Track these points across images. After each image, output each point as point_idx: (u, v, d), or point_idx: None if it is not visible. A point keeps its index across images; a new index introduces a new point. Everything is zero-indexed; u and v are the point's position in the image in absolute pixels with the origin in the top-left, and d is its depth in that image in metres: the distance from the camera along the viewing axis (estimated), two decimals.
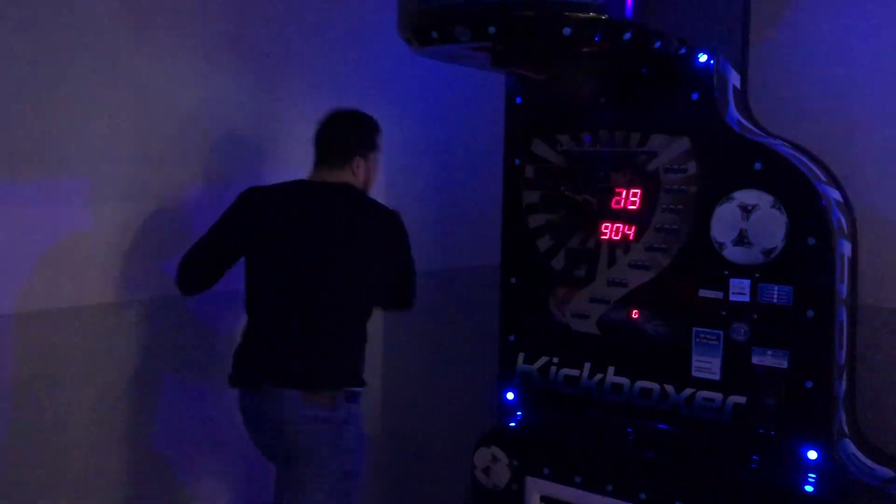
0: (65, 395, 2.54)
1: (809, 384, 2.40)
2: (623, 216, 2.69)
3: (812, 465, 2.39)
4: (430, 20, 2.20)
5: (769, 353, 2.44)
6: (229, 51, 2.88)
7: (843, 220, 2.51)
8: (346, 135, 2.56)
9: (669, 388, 2.61)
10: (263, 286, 2.50)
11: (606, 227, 2.73)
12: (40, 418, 2.49)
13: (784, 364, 2.42)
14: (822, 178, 2.54)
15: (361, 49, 3.22)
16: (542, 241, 2.85)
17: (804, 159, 2.55)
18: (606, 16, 2.13)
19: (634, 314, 2.67)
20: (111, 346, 2.65)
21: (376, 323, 3.24)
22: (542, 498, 2.72)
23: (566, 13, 2.09)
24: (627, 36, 2.19)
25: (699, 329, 2.55)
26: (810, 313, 2.39)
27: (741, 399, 2.49)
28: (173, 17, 2.72)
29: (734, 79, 2.65)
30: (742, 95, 2.72)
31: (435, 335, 3.39)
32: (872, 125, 2.78)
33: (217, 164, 2.88)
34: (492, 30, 2.10)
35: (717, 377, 2.53)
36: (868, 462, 2.52)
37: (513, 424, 2.88)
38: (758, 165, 2.46)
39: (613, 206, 2.72)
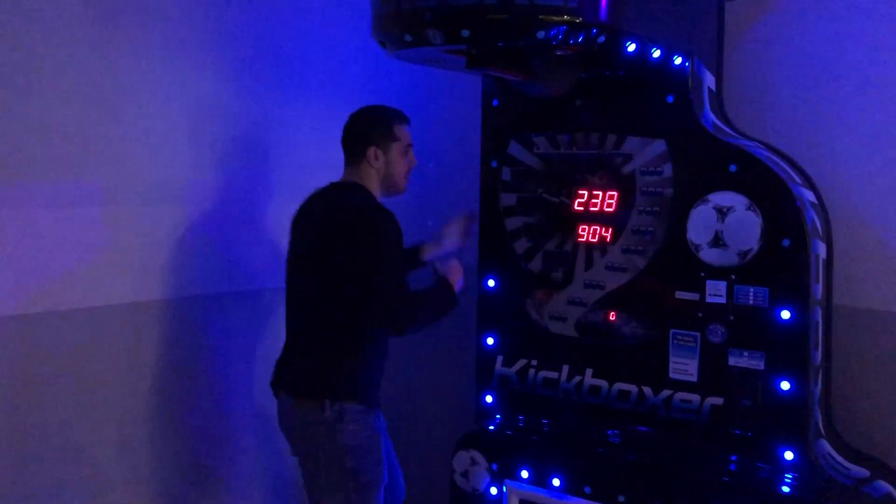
0: (78, 396, 2.58)
1: (785, 385, 2.41)
2: (600, 218, 2.70)
3: (788, 466, 2.40)
4: (403, 24, 2.19)
5: (745, 354, 2.45)
6: (213, 52, 2.89)
7: (818, 221, 2.52)
8: (359, 126, 2.52)
9: (647, 389, 2.62)
10: (283, 296, 2.60)
11: (583, 230, 2.73)
12: (53, 419, 2.52)
13: (760, 365, 2.43)
14: (797, 179, 2.55)
15: (337, 52, 3.20)
16: (520, 243, 2.85)
17: (779, 161, 2.56)
18: (580, 19, 2.13)
19: (612, 316, 2.68)
20: (127, 347, 2.71)
21: None
22: (521, 501, 2.72)
23: (540, 16, 2.08)
24: (601, 39, 2.18)
25: (676, 331, 2.56)
26: (786, 314, 2.40)
27: (718, 400, 2.50)
28: (180, 19, 2.75)
29: (709, 81, 2.66)
30: (717, 97, 2.73)
31: (411, 338, 3.36)
32: (846, 127, 2.79)
33: (220, 166, 2.93)
34: (465, 33, 2.09)
35: (694, 379, 2.53)
36: (844, 462, 2.53)
37: (492, 428, 2.88)
38: (733, 167, 2.46)
39: (590, 208, 2.72)
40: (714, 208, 2.48)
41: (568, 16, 2.10)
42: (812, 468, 2.39)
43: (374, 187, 2.53)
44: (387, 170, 2.51)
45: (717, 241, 2.47)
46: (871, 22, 2.73)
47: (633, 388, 2.65)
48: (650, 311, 2.60)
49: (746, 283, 2.44)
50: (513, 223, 2.87)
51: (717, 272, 2.48)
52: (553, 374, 2.80)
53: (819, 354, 2.49)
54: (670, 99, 2.56)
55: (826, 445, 2.50)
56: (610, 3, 2.16)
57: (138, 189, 2.69)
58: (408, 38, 2.19)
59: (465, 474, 2.80)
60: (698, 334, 2.52)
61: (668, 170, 2.57)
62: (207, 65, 2.84)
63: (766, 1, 2.90)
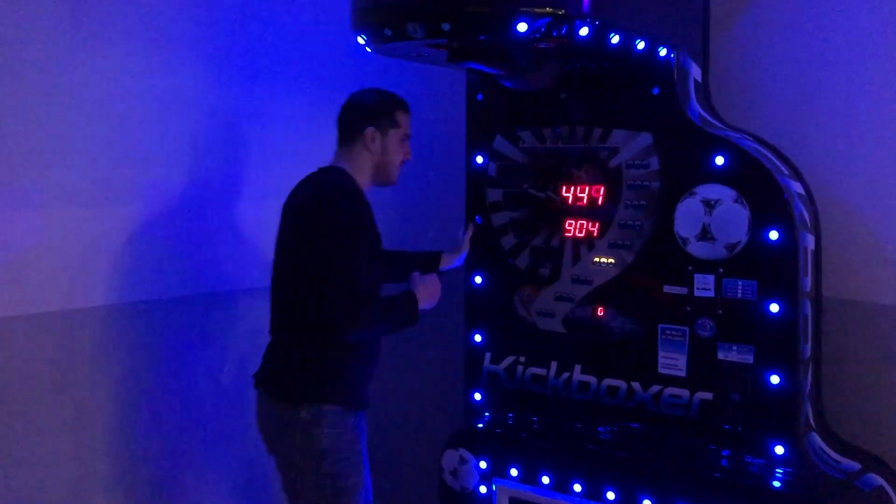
0: (56, 397, 2.53)
1: (775, 379, 2.38)
2: (586, 213, 2.67)
3: (779, 460, 2.38)
4: (383, 18, 2.16)
5: (734, 348, 2.43)
6: (187, 48, 2.82)
7: (806, 213, 2.50)
8: (360, 104, 2.40)
9: (636, 385, 2.59)
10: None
11: (570, 225, 2.71)
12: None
13: (749, 359, 2.41)
14: (784, 171, 2.52)
15: (317, 46, 3.16)
16: (506, 239, 2.82)
17: (766, 152, 2.53)
18: (563, 11, 2.10)
19: (600, 311, 2.65)
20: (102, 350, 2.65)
21: None
22: (511, 499, 2.69)
23: (521, 8, 2.05)
24: (584, 31, 2.15)
25: (664, 325, 2.53)
26: (775, 307, 2.38)
27: (707, 395, 2.48)
28: (145, 17, 2.67)
29: (695, 72, 2.63)
30: (703, 89, 2.70)
31: (399, 336, 3.33)
32: (834, 118, 2.77)
33: (188, 163, 2.85)
34: (445, 26, 2.06)
35: (683, 374, 2.51)
36: (835, 455, 2.51)
37: (480, 425, 2.85)
38: (719, 159, 2.44)
39: (577, 203, 2.69)
40: (701, 201, 2.46)
41: (550, 8, 2.07)
42: (803, 462, 2.37)
43: (364, 173, 2.39)
44: (382, 155, 2.39)
45: (705, 235, 2.45)
46: (859, 11, 2.71)
47: (621, 383, 2.62)
48: (638, 306, 2.58)
49: (735, 277, 2.42)
50: (499, 219, 2.84)
51: (705, 266, 2.46)
52: (541, 371, 2.77)
53: (809, 347, 2.47)
54: (656, 91, 2.53)
55: (817, 439, 2.49)
56: None
57: (90, 188, 2.58)
58: (388, 32, 2.16)
59: (454, 473, 2.77)
60: (687, 329, 2.49)
61: (654, 163, 2.55)
62: (175, 56, 2.75)
63: None
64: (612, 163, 2.62)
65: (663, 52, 2.48)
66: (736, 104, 2.84)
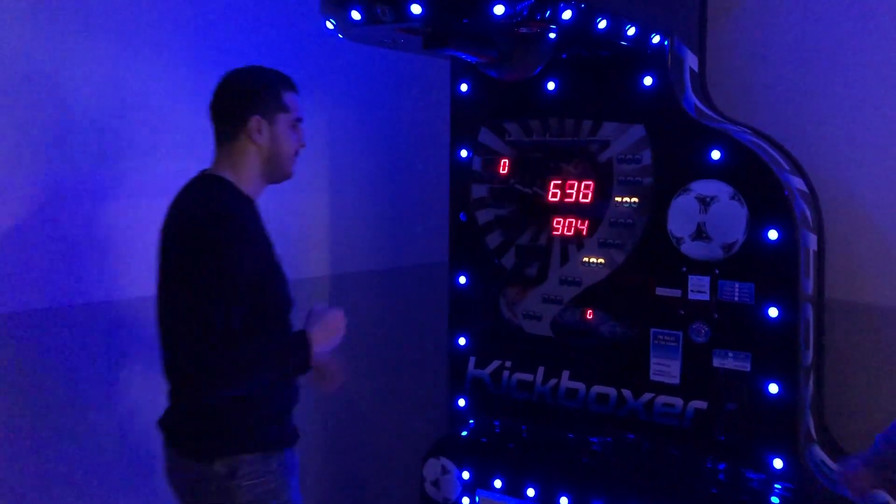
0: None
1: (774, 388, 2.28)
2: (575, 210, 2.56)
3: (778, 474, 2.28)
4: (350, 0, 2.01)
5: (730, 354, 2.33)
6: (141, 34, 2.66)
7: (808, 211, 2.38)
8: (237, 91, 1.98)
9: (627, 393, 2.50)
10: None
11: (558, 223, 2.60)
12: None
13: (746, 366, 2.31)
14: (785, 166, 2.41)
15: (291, 34, 3.01)
16: (492, 237, 2.72)
17: (765, 146, 2.42)
18: None
19: (589, 315, 2.55)
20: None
21: None
22: None
23: None
24: (568, 15, 2.01)
25: (657, 330, 2.43)
26: (774, 312, 2.27)
27: (702, 404, 2.38)
28: (76, 7, 2.46)
29: (691, 61, 2.52)
30: (700, 79, 2.59)
31: (381, 338, 3.22)
32: (839, 110, 2.64)
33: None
34: (415, 9, 1.92)
35: (676, 381, 2.41)
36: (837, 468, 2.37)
37: (464, 433, 2.76)
38: (716, 154, 2.33)
39: (565, 199, 2.58)
40: (696, 198, 2.35)
41: None
42: (803, 476, 2.26)
43: (253, 174, 1.99)
44: (273, 147, 1.98)
45: (700, 234, 2.35)
46: (864, 1, 2.57)
47: (611, 391, 2.52)
48: (629, 309, 2.48)
49: (731, 279, 2.32)
50: (484, 216, 2.73)
51: (700, 267, 2.36)
52: (528, 377, 2.66)
53: (810, 354, 2.36)
54: (648, 81, 2.43)
55: (819, 452, 2.37)
56: None
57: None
58: (355, 15, 2.02)
59: (435, 483, 2.68)
60: (680, 333, 2.39)
61: (647, 157, 2.44)
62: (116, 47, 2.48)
63: None
64: (603, 157, 2.51)
65: (656, 38, 2.35)
66: (734, 95, 2.72)
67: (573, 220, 2.57)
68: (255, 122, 1.95)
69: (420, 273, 3.33)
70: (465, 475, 2.63)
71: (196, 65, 2.65)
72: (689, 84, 2.48)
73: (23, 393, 2.34)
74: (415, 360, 3.36)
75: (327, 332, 1.95)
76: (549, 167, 2.60)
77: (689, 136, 2.37)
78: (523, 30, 2.06)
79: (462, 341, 2.79)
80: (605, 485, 2.43)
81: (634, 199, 2.45)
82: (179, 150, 2.57)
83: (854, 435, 2.55)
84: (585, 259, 2.54)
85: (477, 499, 2.61)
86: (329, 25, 2.15)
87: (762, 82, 2.75)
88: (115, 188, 2.54)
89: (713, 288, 2.33)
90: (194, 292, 1.78)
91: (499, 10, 1.90)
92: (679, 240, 2.38)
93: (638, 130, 2.44)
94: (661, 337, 2.43)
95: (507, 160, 2.67)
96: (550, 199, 2.60)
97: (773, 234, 2.25)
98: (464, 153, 2.75)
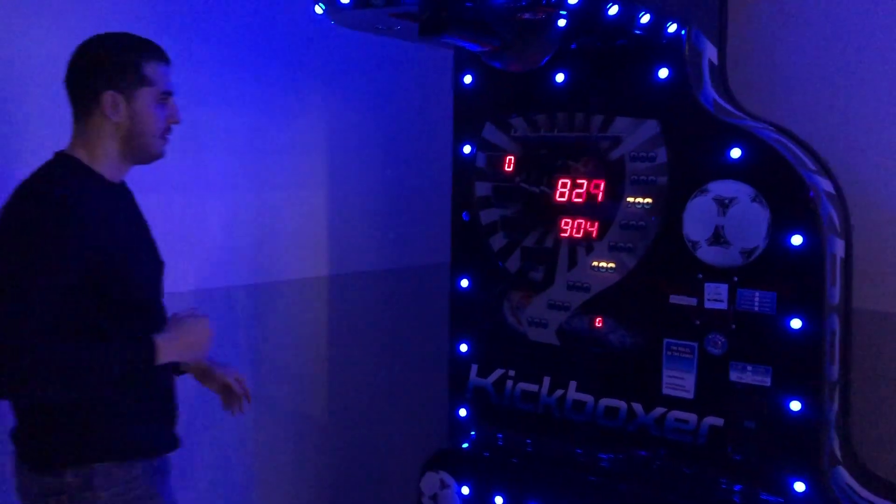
0: None
1: (796, 405, 2.15)
2: (584, 211, 2.44)
3: (799, 498, 2.14)
4: None
5: (749, 368, 2.20)
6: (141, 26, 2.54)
7: (835, 215, 2.24)
8: (85, 65, 1.75)
9: (637, 406, 2.37)
10: None
11: (566, 224, 2.48)
12: None
13: (767, 381, 2.18)
14: (811, 166, 2.27)
15: (286, 24, 2.88)
16: (496, 238, 2.60)
17: (790, 145, 2.29)
18: None
19: (598, 322, 2.43)
20: None
21: (318, 329, 2.99)
22: None
23: None
24: (575, 0, 1.86)
25: (670, 340, 2.31)
26: (797, 323, 2.14)
27: (718, 421, 2.25)
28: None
29: (710, 53, 2.38)
30: (719, 72, 2.45)
31: (379, 343, 3.11)
32: (868, 107, 2.50)
33: None
34: None
35: (690, 395, 2.29)
36: (865, 493, 2.25)
37: (465, 445, 2.65)
38: (736, 152, 2.20)
39: (574, 199, 2.46)
40: (714, 199, 2.22)
41: None
42: (827, 501, 2.13)
43: (109, 154, 1.78)
44: (133, 125, 1.77)
45: (718, 238, 2.22)
46: None
47: (621, 404, 2.39)
48: (641, 318, 2.36)
49: (751, 287, 2.19)
50: (488, 216, 2.60)
51: (718, 273, 2.23)
52: (532, 387, 2.54)
53: (836, 369, 2.22)
54: (664, 73, 2.29)
55: (844, 474, 2.24)
56: None
57: None
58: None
59: (434, 498, 2.57)
60: (695, 345, 2.27)
61: (661, 155, 2.31)
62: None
63: None
64: (614, 154, 2.38)
65: (672, 27, 2.21)
66: (756, 90, 2.58)
67: (582, 222, 2.44)
68: (108, 97, 1.74)
69: (420, 274, 3.22)
70: (465, 490, 2.52)
71: (188, 56, 2.53)
72: (707, 77, 2.35)
73: None
74: (414, 367, 3.25)
75: (185, 341, 1.76)
76: (556, 165, 2.48)
77: (707, 133, 2.24)
78: (527, 16, 1.92)
79: (464, 348, 2.67)
80: (609, 501, 2.32)
81: (648, 200, 2.32)
82: (172, 145, 2.45)
83: (882, 456, 2.42)
84: (595, 263, 2.41)
85: None
86: (318, 10, 2.02)
87: (786, 77, 2.61)
88: None
89: (731, 296, 2.20)
90: (7, 281, 1.58)
91: None
92: (695, 244, 2.25)
93: (652, 126, 2.31)
94: (674, 348, 2.29)
95: (512, 157, 2.55)
96: (558, 198, 2.47)
97: (797, 240, 2.11)
98: (467, 149, 2.63)
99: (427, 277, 3.12)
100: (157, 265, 1.86)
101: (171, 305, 2.52)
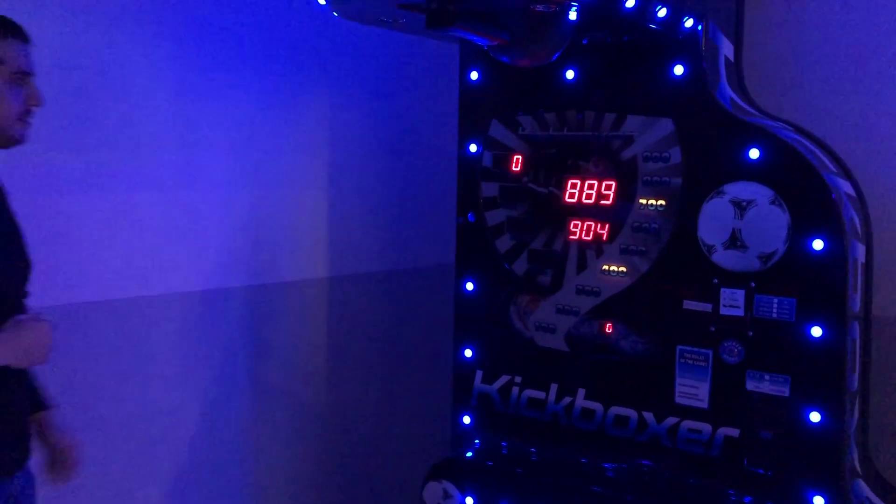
0: None
1: (816, 416, 2.07)
2: (595, 213, 2.36)
3: None
4: None
5: (767, 377, 2.12)
6: (134, 22, 2.45)
7: (857, 219, 2.17)
8: None
9: (648, 416, 2.29)
10: None
11: (575, 226, 2.40)
12: None
13: (785, 391, 2.10)
14: (831, 167, 2.20)
15: (287, 16, 2.80)
16: (502, 240, 2.52)
17: (809, 145, 2.21)
18: None
19: (608, 328, 2.35)
20: None
21: (318, 332, 2.91)
22: None
23: None
24: None
25: (684, 348, 2.23)
26: (817, 331, 2.05)
27: (733, 431, 2.17)
28: None
29: (726, 49, 2.30)
30: (736, 69, 2.38)
31: (380, 347, 3.04)
32: (889, 106, 2.41)
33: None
34: None
35: (704, 405, 2.21)
36: None
37: (469, 454, 2.56)
38: (754, 152, 2.11)
39: (584, 200, 2.38)
40: (731, 202, 2.14)
41: None
42: None
43: None
44: None
45: (735, 242, 2.14)
46: None
47: (632, 413, 2.31)
48: (653, 324, 2.28)
49: (769, 293, 2.11)
50: (494, 217, 2.52)
51: (734, 279, 2.15)
52: (539, 394, 2.46)
53: (856, 378, 2.14)
54: (679, 70, 2.21)
55: (864, 487, 2.16)
56: None
57: None
58: None
59: None
60: (710, 352, 2.19)
61: (676, 155, 2.22)
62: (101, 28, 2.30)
63: None
64: (626, 154, 2.30)
65: (689, 22, 2.13)
66: (772, 88, 2.50)
67: (592, 224, 2.36)
68: None
69: (423, 276, 3.15)
70: (469, 501, 2.44)
71: (183, 50, 2.44)
72: (723, 74, 2.26)
73: None
74: (416, 373, 3.19)
75: (21, 345, 1.62)
76: (566, 165, 2.40)
77: (724, 133, 2.15)
78: (540, 8, 1.83)
79: (468, 353, 2.59)
80: None
81: (661, 202, 2.24)
82: (166, 143, 2.37)
83: None
84: (605, 267, 2.33)
85: None
86: (321, 0, 1.93)
87: (804, 75, 2.52)
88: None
89: (748, 303, 2.12)
90: None
91: None
92: (710, 248, 2.16)
93: (666, 125, 2.22)
94: (688, 355, 2.21)
95: (520, 156, 2.47)
96: (567, 199, 2.39)
97: (818, 244, 2.03)
98: (473, 148, 2.55)
99: (430, 279, 3.05)
100: (19, 266, 1.72)
101: (168, 308, 2.45)
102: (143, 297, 2.46)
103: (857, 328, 2.12)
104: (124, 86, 2.35)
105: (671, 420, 2.24)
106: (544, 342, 2.45)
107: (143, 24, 2.38)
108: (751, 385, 2.13)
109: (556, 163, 2.41)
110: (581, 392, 2.39)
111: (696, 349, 2.20)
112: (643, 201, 2.27)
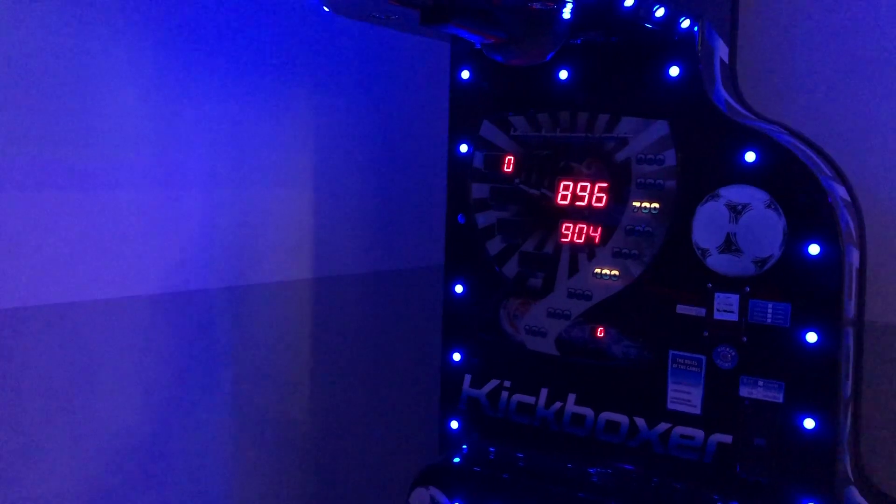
0: None
1: (810, 423, 2.04)
2: (587, 215, 2.33)
3: None
4: None
5: (761, 383, 2.10)
6: (113, 15, 2.39)
7: (852, 224, 2.15)
8: None
9: (640, 421, 2.26)
10: None
11: (567, 228, 2.36)
12: None
13: (779, 397, 2.08)
14: (827, 171, 2.18)
15: (276, 14, 2.75)
16: (493, 243, 2.48)
17: (805, 149, 2.19)
18: None
19: (600, 332, 2.32)
20: None
21: (302, 335, 2.87)
22: None
23: None
24: None
25: (676, 353, 2.20)
26: (812, 337, 2.03)
27: (726, 438, 2.14)
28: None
29: (721, 51, 2.28)
30: (730, 71, 2.35)
31: (366, 350, 3.00)
32: (885, 110, 2.41)
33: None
34: None
35: (697, 411, 2.18)
36: None
37: (456, 460, 2.52)
38: (750, 156, 2.09)
39: (576, 203, 2.35)
40: (726, 205, 2.11)
41: None
42: None
43: None
44: None
45: (729, 246, 2.11)
46: None
47: (623, 419, 2.28)
48: (645, 328, 2.25)
49: (764, 298, 2.08)
50: (485, 219, 2.48)
51: (728, 283, 2.12)
52: (529, 399, 2.43)
53: (850, 385, 2.13)
54: (675, 71, 2.18)
55: (856, 494, 2.14)
56: None
57: None
58: None
59: None
60: (703, 358, 2.16)
61: (670, 157, 2.20)
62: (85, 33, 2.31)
63: None
64: (620, 156, 2.27)
65: (686, 23, 2.10)
66: (766, 91, 2.49)
67: (584, 227, 2.33)
68: None
69: (411, 278, 3.10)
70: None
71: (166, 44, 2.38)
72: (719, 76, 2.24)
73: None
74: (403, 376, 3.14)
75: None
76: (558, 166, 2.36)
77: (720, 135, 2.13)
78: (537, 5, 1.80)
79: (457, 357, 2.55)
80: None
81: (655, 205, 2.21)
82: (144, 139, 2.31)
83: (890, 473, 2.33)
84: (597, 270, 2.30)
85: None
86: None
87: (797, 77, 2.51)
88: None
89: (743, 307, 2.10)
90: None
91: None
92: (705, 252, 2.14)
93: (661, 127, 2.20)
94: (681, 360, 2.19)
95: (511, 157, 2.43)
96: (559, 201, 2.36)
97: (814, 249, 2.01)
98: (463, 148, 2.51)
99: (418, 281, 3.01)
100: None
101: (146, 309, 2.39)
102: (118, 298, 2.40)
103: (850, 335, 2.10)
104: (102, 81, 2.29)
105: (663, 426, 2.21)
106: (534, 346, 2.41)
107: (123, 18, 2.32)
108: (744, 391, 2.11)
109: (549, 164, 2.38)
110: (571, 397, 2.36)
111: (689, 354, 2.17)
112: (637, 204, 2.24)
